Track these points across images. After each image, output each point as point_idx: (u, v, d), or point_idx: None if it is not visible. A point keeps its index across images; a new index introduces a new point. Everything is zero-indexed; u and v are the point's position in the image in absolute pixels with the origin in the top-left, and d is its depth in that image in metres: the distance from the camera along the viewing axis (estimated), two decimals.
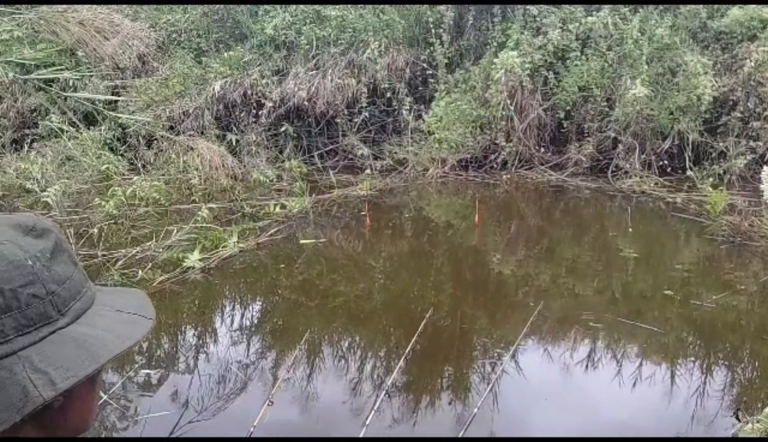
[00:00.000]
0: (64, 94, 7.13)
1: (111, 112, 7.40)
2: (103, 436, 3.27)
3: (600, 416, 3.43)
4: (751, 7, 7.68)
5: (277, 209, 6.56)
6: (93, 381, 0.72)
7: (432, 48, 8.41)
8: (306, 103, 8.21)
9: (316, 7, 8.61)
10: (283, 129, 8.34)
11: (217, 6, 9.11)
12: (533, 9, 8.21)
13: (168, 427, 3.26)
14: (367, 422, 3.18)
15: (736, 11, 7.76)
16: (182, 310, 4.76)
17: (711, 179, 6.97)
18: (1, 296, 0.61)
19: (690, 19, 8.04)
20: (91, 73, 7.95)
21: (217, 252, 5.41)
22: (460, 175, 7.93)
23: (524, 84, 7.76)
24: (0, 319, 0.61)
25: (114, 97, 8.29)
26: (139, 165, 7.72)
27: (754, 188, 6.59)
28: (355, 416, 3.35)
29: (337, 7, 8.57)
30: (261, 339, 4.36)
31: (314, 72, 8.40)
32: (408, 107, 8.34)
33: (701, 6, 8.01)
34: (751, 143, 7.30)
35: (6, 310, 0.61)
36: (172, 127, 8.13)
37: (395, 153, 8.23)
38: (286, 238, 5.98)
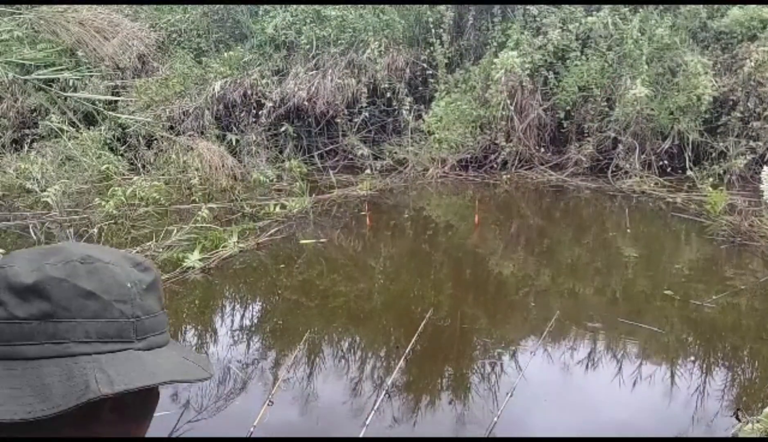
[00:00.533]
0: (64, 94, 7.12)
1: (111, 112, 7.40)
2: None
3: (600, 416, 3.43)
4: (751, 7, 7.67)
5: (277, 209, 6.56)
6: (146, 411, 0.79)
7: (432, 48, 8.41)
8: (306, 103, 8.21)
9: (316, 7, 8.60)
10: (283, 129, 8.33)
11: (217, 6, 9.11)
12: (533, 9, 8.21)
13: (168, 427, 3.25)
14: (367, 422, 3.18)
15: (736, 11, 7.75)
16: (182, 310, 4.76)
17: (711, 179, 6.96)
18: (98, 302, 0.70)
19: (690, 19, 8.04)
20: (91, 73, 7.94)
21: (217, 252, 5.41)
22: (460, 175, 7.93)
23: (524, 84, 7.76)
24: (90, 321, 0.69)
25: (114, 97, 8.28)
26: (139, 165, 7.72)
27: (754, 188, 6.58)
28: (355, 416, 3.34)
29: (337, 7, 8.57)
30: (261, 339, 4.36)
31: (314, 72, 8.40)
32: (408, 107, 8.34)
33: (701, 6, 8.01)
34: (751, 143, 7.30)
35: (97, 315, 0.70)
36: (172, 127, 8.12)
37: (395, 153, 8.23)
38: (286, 238, 5.98)
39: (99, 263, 0.73)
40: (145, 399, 0.76)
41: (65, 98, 7.52)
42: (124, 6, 9.02)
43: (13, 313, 0.68)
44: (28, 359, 0.68)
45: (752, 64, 7.31)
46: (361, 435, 3.12)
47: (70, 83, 8.11)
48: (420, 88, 8.71)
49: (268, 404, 3.28)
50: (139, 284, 0.75)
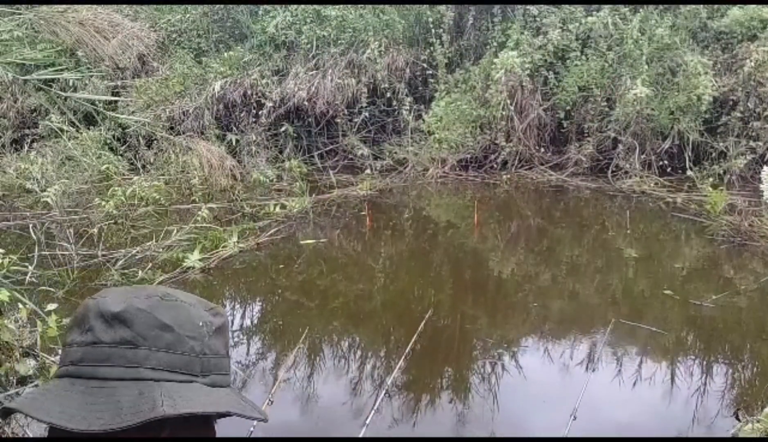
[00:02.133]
0: (64, 94, 7.12)
1: (111, 113, 7.39)
2: None
3: (600, 416, 3.43)
4: (751, 7, 7.67)
5: (277, 209, 6.55)
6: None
7: (432, 48, 8.41)
8: (306, 103, 8.21)
9: (316, 7, 8.60)
10: (283, 129, 8.33)
11: (217, 6, 9.11)
12: (533, 9, 8.20)
13: None
14: (367, 422, 3.18)
15: (736, 11, 7.75)
16: None
17: (711, 179, 6.96)
18: (172, 334, 0.79)
19: (690, 19, 8.04)
20: (91, 74, 7.94)
21: (217, 252, 5.41)
22: (460, 175, 7.93)
23: (524, 84, 7.76)
24: (163, 351, 0.78)
25: (114, 98, 8.28)
26: (139, 165, 7.72)
27: (754, 188, 6.58)
28: (355, 416, 3.35)
29: (337, 7, 8.56)
30: (261, 339, 4.37)
31: (314, 72, 8.40)
32: (408, 107, 8.34)
33: (701, 6, 8.00)
34: (751, 143, 7.29)
35: (170, 347, 0.78)
36: (172, 128, 8.12)
37: (395, 153, 8.23)
38: (286, 238, 5.98)
39: (177, 302, 0.83)
40: (202, 435, 0.83)
41: (65, 98, 7.52)
42: (124, 6, 9.01)
43: (99, 337, 0.77)
44: (105, 379, 0.76)
45: (752, 64, 7.30)
46: (361, 435, 3.12)
47: (70, 83, 8.11)
48: (420, 88, 8.71)
49: (268, 404, 3.28)
50: (210, 325, 0.84)
